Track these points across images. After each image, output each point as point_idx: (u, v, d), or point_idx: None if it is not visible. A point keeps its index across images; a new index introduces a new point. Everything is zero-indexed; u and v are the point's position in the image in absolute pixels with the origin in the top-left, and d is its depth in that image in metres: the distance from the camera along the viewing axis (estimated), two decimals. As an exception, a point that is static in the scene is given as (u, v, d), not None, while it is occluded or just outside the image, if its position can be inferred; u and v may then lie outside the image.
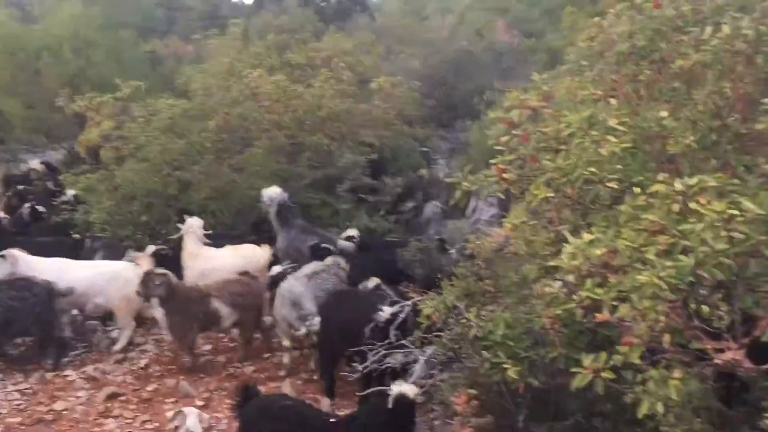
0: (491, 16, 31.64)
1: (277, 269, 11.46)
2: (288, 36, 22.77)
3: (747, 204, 5.26)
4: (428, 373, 8.00)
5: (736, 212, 5.27)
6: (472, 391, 6.78)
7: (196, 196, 14.68)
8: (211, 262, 12.46)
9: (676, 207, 5.81)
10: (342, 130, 16.75)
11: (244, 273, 11.79)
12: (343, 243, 12.63)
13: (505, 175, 7.61)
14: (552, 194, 7.18)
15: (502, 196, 10.02)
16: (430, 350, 7.66)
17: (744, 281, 5.22)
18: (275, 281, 11.10)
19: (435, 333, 7.74)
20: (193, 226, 12.70)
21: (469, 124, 18.31)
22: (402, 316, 8.57)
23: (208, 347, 12.48)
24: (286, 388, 10.62)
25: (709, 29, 7.23)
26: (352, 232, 13.41)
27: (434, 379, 7.91)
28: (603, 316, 5.35)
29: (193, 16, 32.15)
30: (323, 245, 12.33)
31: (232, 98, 16.03)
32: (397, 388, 7.22)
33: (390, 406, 7.15)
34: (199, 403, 10.28)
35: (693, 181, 5.84)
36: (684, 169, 7.62)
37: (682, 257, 5.08)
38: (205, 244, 12.88)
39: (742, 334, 5.53)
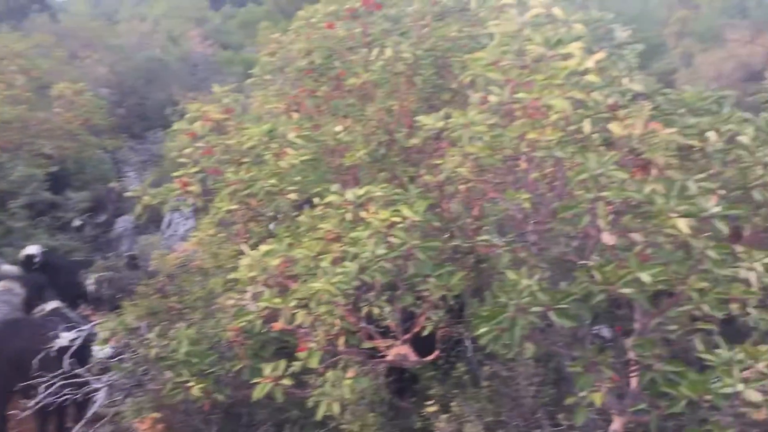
0: (187, 26, 31.04)
1: None
2: (-55, 33, 19.87)
3: (406, 212, 5.76)
4: (112, 400, 7.48)
5: (397, 219, 5.77)
6: (157, 414, 6.49)
7: None
8: None
9: (348, 216, 6.22)
10: (14, 140, 15.02)
11: None
12: (5, 268, 11.22)
13: (189, 188, 7.48)
14: (236, 206, 7.24)
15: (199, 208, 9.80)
16: (111, 376, 7.16)
17: (404, 282, 5.71)
18: None
19: (118, 357, 7.28)
20: None
21: (162, 135, 17.67)
22: (80, 342, 7.91)
23: None
24: (-56, 437, 9.16)
25: (375, 51, 7.88)
26: (33, 249, 12.05)
27: (119, 406, 7.41)
28: (279, 324, 5.48)
29: None
30: None
31: None
32: None
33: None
34: None
35: (362, 191, 6.28)
36: (362, 180, 8.21)
37: (348, 263, 5.40)
38: None
39: (405, 331, 6.05)
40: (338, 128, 7.74)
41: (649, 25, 37.78)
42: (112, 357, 7.15)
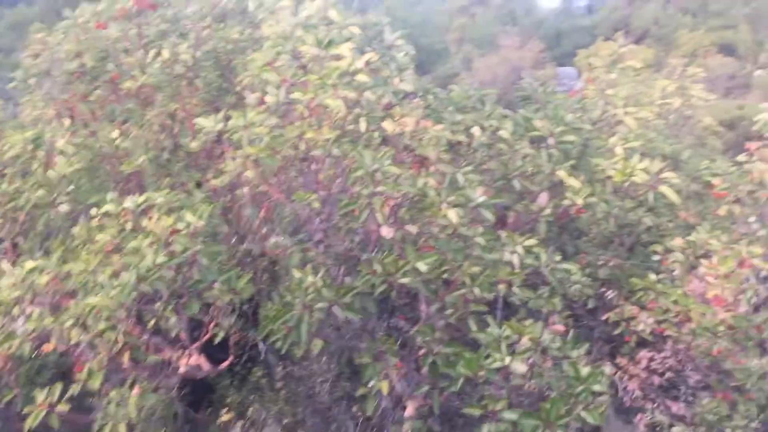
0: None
1: None
2: None
3: (189, 217, 5.59)
4: None
5: (181, 226, 5.58)
6: None
7: None
8: None
9: (128, 225, 5.90)
10: None
11: None
12: None
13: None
14: None
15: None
16: None
17: (190, 289, 5.53)
18: None
19: None
20: None
21: None
22: None
23: None
24: None
25: (152, 52, 7.55)
26: None
27: None
28: (50, 345, 5.07)
29: None
30: None
31: None
32: None
33: None
34: None
35: (142, 199, 6.00)
36: (148, 187, 7.83)
37: (125, 275, 5.13)
38: None
39: (195, 340, 5.87)
40: (115, 134, 7.32)
41: (434, 32, 40.13)
42: None
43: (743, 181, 6.73)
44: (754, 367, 5.35)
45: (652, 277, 6.18)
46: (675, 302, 5.75)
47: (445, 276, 5.50)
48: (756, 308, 6.42)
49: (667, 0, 44.69)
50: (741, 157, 7.06)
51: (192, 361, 5.98)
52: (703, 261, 5.84)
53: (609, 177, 6.19)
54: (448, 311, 5.51)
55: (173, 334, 5.87)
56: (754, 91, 29.99)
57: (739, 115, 20.79)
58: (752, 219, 7.01)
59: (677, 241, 6.25)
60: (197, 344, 5.85)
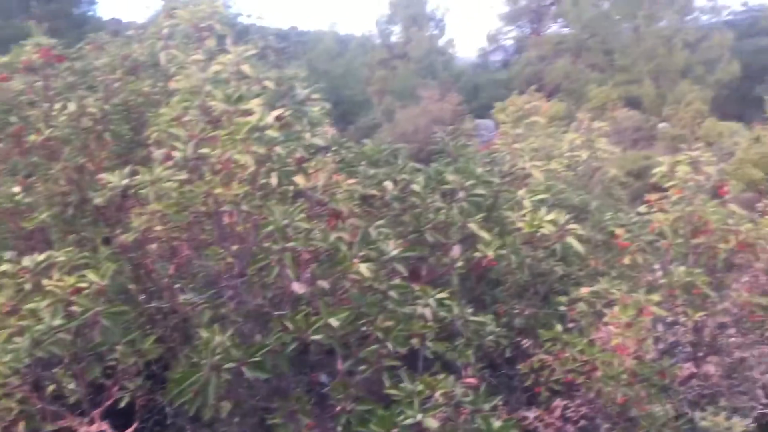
0: None
1: None
2: None
3: (92, 276, 5.37)
4: None
5: (84, 285, 5.35)
6: None
7: None
8: None
9: (27, 285, 5.63)
10: None
11: None
12: None
13: None
14: None
15: None
16: None
17: (90, 352, 5.28)
18: None
19: None
20: None
21: None
22: None
23: None
24: None
25: (58, 105, 7.35)
26: None
27: None
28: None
29: None
30: None
31: None
32: None
33: None
34: None
35: (42, 257, 5.74)
36: (55, 245, 7.51)
37: (18, 339, 4.86)
38: None
39: (98, 404, 5.58)
40: (17, 189, 7.02)
41: (356, 84, 40.76)
42: None
43: (644, 231, 7.03)
44: (658, 413, 5.50)
45: (559, 327, 6.29)
46: (581, 352, 5.86)
47: (363, 330, 5.45)
48: (663, 354, 6.64)
49: (577, 56, 46.96)
50: (642, 209, 7.38)
51: (94, 428, 5.66)
52: (607, 310, 6.01)
53: (518, 229, 6.33)
54: (363, 367, 5.45)
55: (73, 400, 5.58)
56: (659, 143, 31.64)
57: (645, 165, 21.85)
58: (657, 267, 7.31)
59: (583, 291, 6.42)
60: (99, 410, 5.56)
